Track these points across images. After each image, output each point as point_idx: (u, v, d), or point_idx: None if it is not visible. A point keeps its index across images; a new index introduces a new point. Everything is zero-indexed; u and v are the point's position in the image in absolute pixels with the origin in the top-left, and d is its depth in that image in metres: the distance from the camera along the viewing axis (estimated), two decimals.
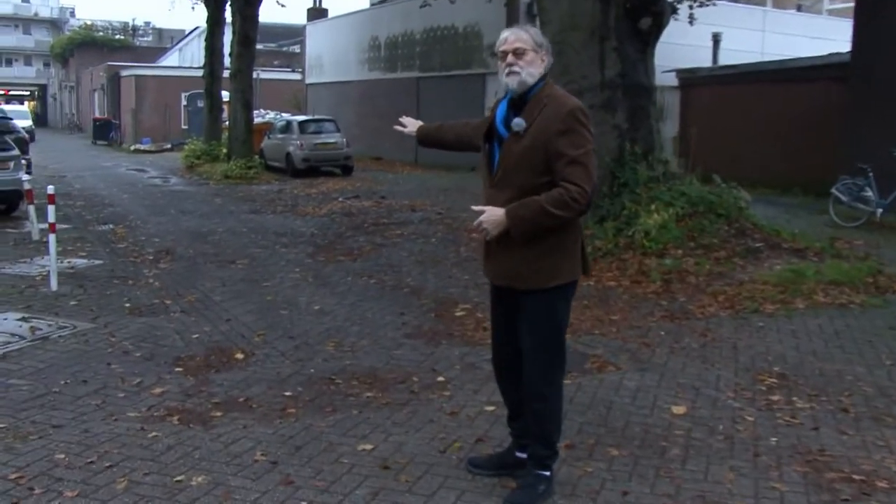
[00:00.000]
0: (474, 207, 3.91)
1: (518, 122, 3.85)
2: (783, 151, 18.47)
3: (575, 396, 5.41)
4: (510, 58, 3.89)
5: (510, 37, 3.93)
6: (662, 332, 7.18)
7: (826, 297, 8.35)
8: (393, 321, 7.56)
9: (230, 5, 25.42)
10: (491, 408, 5.24)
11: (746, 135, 19.18)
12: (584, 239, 4.10)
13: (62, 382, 5.80)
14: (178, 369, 6.12)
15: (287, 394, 5.58)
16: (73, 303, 8.16)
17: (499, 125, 3.99)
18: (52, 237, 8.70)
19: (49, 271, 8.83)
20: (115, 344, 6.72)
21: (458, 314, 7.80)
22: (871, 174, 13.84)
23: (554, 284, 3.94)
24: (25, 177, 10.92)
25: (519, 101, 3.93)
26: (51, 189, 8.83)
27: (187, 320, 7.58)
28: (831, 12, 32.93)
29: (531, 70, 3.88)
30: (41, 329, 7.14)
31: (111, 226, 13.93)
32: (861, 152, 14.50)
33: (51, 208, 8.73)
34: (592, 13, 10.77)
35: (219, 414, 5.20)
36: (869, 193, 13.89)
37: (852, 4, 31.45)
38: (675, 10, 12.27)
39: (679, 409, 5.29)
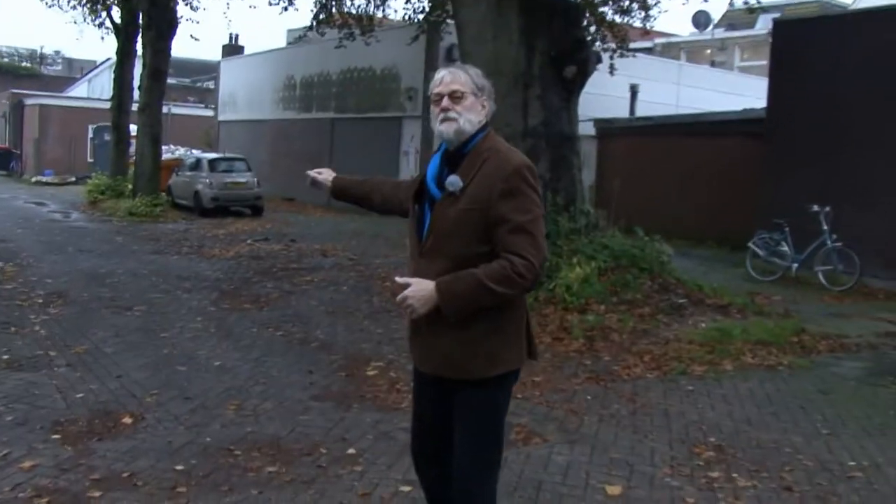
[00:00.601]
0: (398, 280, 3.27)
1: (453, 181, 3.21)
2: (697, 204, 18.51)
3: (501, 474, 4.90)
4: (446, 101, 3.26)
5: (446, 77, 3.31)
6: (589, 397, 6.76)
7: (754, 359, 8.10)
8: (300, 380, 6.96)
9: (141, 38, 24.62)
10: (407, 488, 4.69)
11: (661, 186, 19.19)
12: (529, 318, 3.44)
13: None
14: (55, 437, 5.41)
15: (178, 468, 4.94)
16: None
17: (430, 183, 3.34)
18: None
19: None
20: None
21: (370, 373, 7.25)
22: (786, 229, 13.87)
23: (494, 374, 3.28)
24: None
25: (455, 155, 3.30)
26: None
27: (72, 376, 6.85)
28: (742, 69, 33.66)
29: (469, 117, 3.25)
30: None
31: (0, 264, 12.98)
32: (777, 207, 14.52)
33: None
34: (516, 59, 10.48)
35: (97, 494, 4.53)
36: (785, 248, 13.94)
37: (763, 62, 32.35)
38: (599, 60, 12.07)
39: (614, 490, 4.83)
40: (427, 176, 3.38)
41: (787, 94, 15.49)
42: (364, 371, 7.33)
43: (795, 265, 13.70)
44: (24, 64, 67.47)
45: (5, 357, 7.33)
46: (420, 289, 3.18)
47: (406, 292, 3.20)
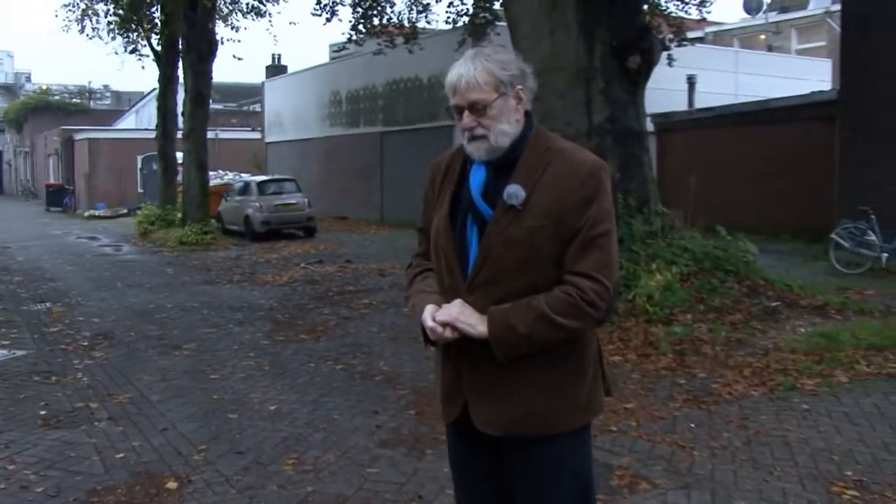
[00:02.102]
0: (440, 316, 2.54)
1: (514, 192, 2.52)
2: (767, 196, 17.55)
3: None
4: (467, 120, 2.57)
5: (460, 83, 2.57)
6: (693, 425, 5.93)
7: (870, 367, 7.19)
8: (365, 424, 6.20)
9: (182, 62, 24.24)
10: None
11: (727, 179, 18.20)
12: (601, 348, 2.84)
13: None
14: None
15: None
16: None
17: (477, 199, 2.62)
18: None
19: None
20: (12, 474, 5.27)
21: None
22: (872, 217, 12.88)
23: (584, 422, 2.69)
24: None
25: (503, 161, 2.62)
26: None
27: (114, 432, 6.18)
28: (799, 52, 32.42)
29: (503, 127, 2.57)
30: None
31: (48, 305, 12.48)
32: (860, 194, 13.54)
33: None
34: (576, 53, 9.69)
35: None
36: (872, 238, 12.96)
37: (821, 43, 31.12)
38: (665, 48, 11.22)
39: None
40: (472, 190, 2.63)
41: (859, 71, 14.46)
42: (435, 407, 6.53)
43: (885, 255, 12.73)
44: (73, 100, 68.18)
45: (42, 413, 6.68)
46: (469, 311, 2.52)
47: (452, 313, 2.52)
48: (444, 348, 2.65)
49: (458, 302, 2.54)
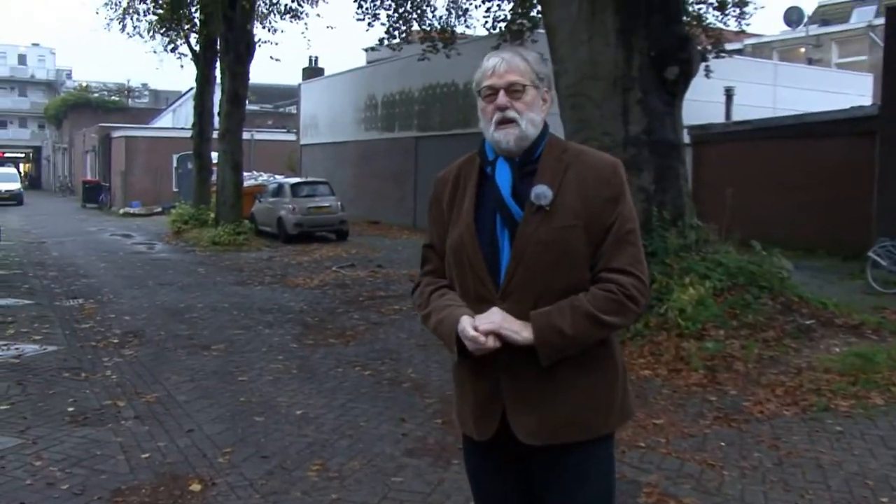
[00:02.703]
0: (482, 325, 2.45)
1: (542, 192, 2.51)
2: (804, 211, 17.28)
3: None
4: (502, 98, 2.55)
5: (500, 66, 2.58)
6: (723, 443, 5.83)
7: None
8: (391, 432, 6.16)
9: (220, 63, 24.39)
10: None
11: (763, 194, 17.97)
12: None
13: None
14: None
15: None
16: (2, 407, 6.75)
17: (508, 197, 2.56)
18: None
19: None
20: (38, 471, 5.29)
21: None
22: None
23: (619, 426, 2.71)
24: None
25: (523, 162, 2.60)
26: None
27: (140, 431, 6.19)
28: (839, 66, 32.06)
29: (532, 116, 2.58)
30: None
31: (80, 301, 12.58)
32: None
33: None
34: (615, 61, 9.58)
35: None
36: None
37: (862, 58, 30.77)
38: (704, 58, 11.08)
39: None
40: (501, 190, 2.58)
41: None
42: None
43: None
44: (112, 98, 68.99)
45: (71, 409, 6.71)
46: (510, 318, 2.47)
47: (495, 320, 2.45)
48: (478, 360, 2.55)
49: (496, 309, 2.49)
